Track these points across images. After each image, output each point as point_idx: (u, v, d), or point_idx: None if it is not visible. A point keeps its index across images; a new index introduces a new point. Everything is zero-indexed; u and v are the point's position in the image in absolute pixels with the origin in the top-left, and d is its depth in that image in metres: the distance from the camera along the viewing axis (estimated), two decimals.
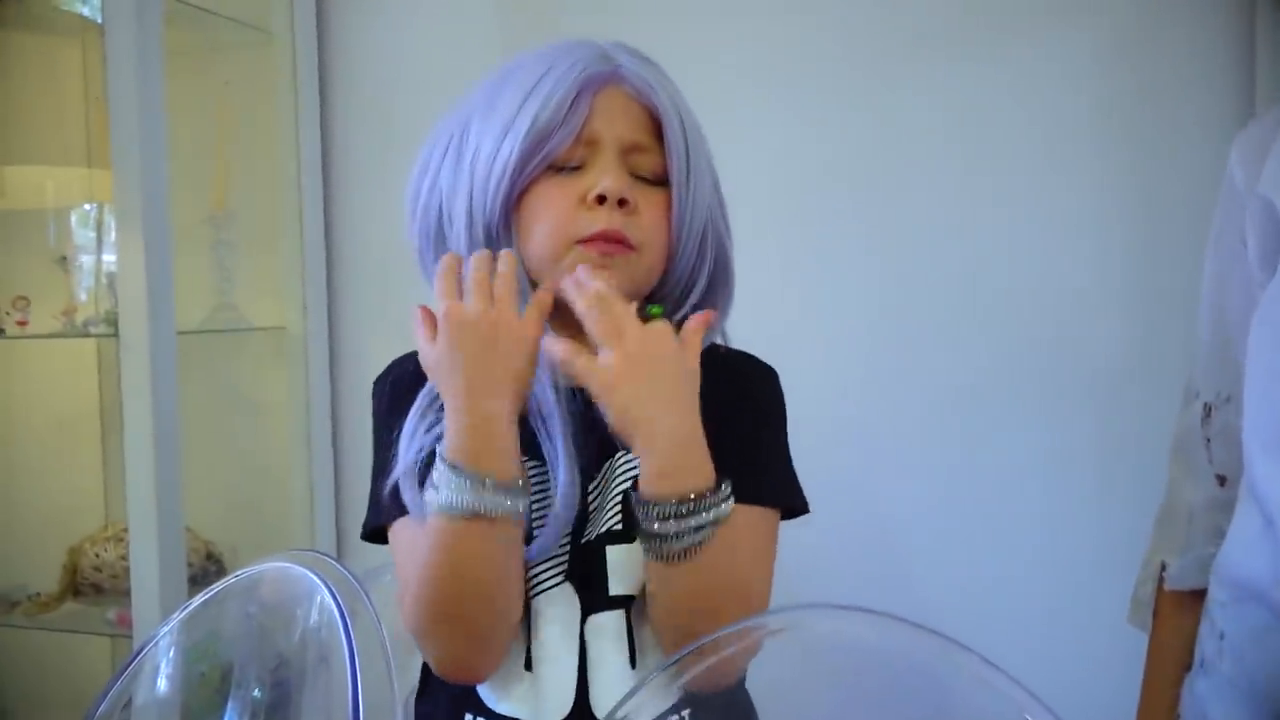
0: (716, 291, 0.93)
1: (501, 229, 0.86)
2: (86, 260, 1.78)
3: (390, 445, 0.88)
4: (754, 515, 0.86)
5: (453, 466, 0.77)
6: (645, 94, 0.86)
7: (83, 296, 1.77)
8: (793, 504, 0.91)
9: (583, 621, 0.85)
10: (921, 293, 1.62)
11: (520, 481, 0.79)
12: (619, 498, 0.86)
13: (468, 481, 0.77)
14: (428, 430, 0.85)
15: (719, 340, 0.98)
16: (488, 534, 0.77)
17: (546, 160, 0.84)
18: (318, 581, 0.77)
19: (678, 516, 0.77)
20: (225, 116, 1.85)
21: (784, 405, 0.94)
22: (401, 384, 0.91)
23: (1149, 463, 1.11)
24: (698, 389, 0.80)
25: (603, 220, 0.84)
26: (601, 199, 0.84)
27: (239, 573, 0.85)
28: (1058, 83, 1.55)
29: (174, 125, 1.63)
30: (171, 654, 0.86)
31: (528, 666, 0.85)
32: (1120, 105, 1.52)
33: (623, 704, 0.61)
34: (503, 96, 0.85)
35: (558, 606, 0.85)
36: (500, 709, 0.86)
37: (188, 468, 1.65)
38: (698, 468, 0.79)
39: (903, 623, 0.66)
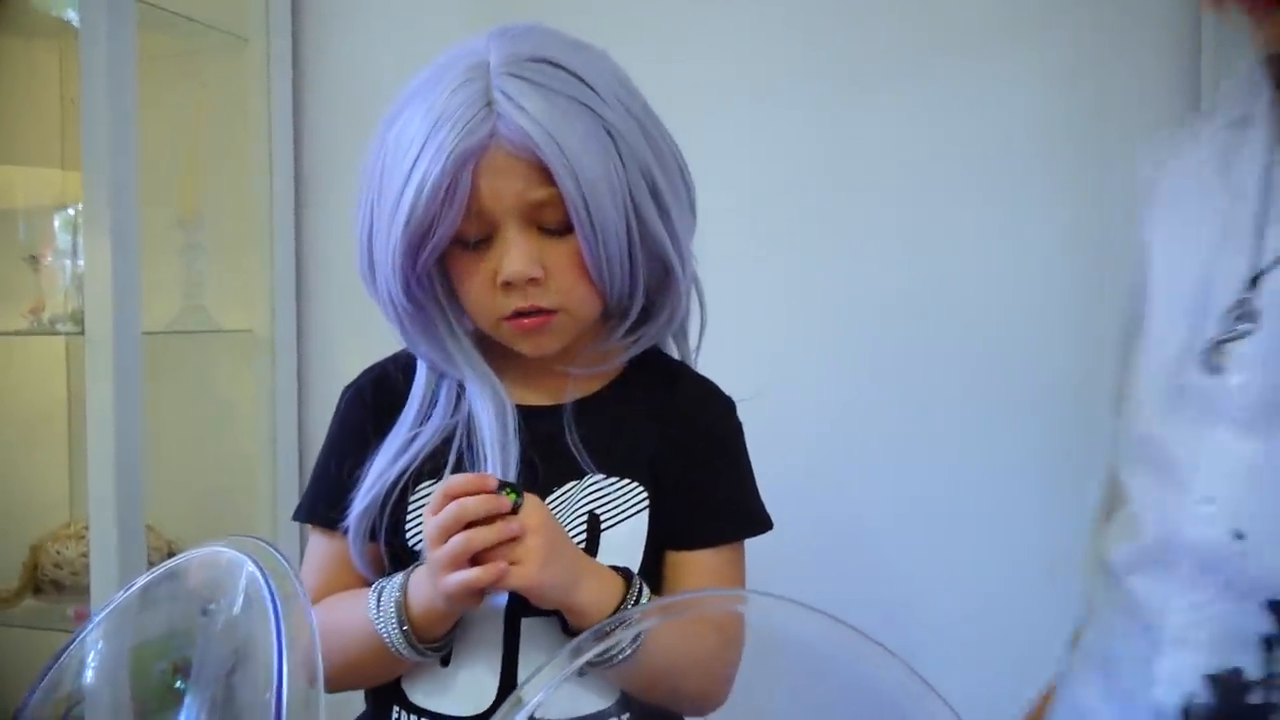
0: (665, 298, 0.93)
1: (422, 290, 0.88)
2: (57, 260, 1.79)
3: (349, 455, 0.91)
4: (715, 559, 0.91)
5: (401, 619, 0.83)
6: (528, 149, 0.80)
7: (53, 296, 1.79)
8: (751, 532, 0.95)
9: (517, 620, 0.87)
10: (880, 305, 1.64)
11: (448, 646, 0.86)
12: (576, 521, 0.88)
13: (406, 637, 0.83)
14: (394, 460, 0.89)
15: (683, 348, 1.00)
16: (398, 662, 0.85)
17: (438, 248, 0.84)
18: (248, 561, 0.79)
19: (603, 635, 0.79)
20: (199, 120, 1.88)
21: (742, 434, 0.97)
22: (378, 398, 0.94)
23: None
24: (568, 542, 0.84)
25: (516, 301, 0.85)
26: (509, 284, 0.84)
27: (169, 561, 0.87)
28: (1012, 100, 1.58)
29: (147, 128, 1.65)
30: (100, 646, 0.87)
31: (444, 663, 0.87)
32: (1072, 123, 1.55)
33: (524, 685, 0.62)
34: (391, 170, 0.84)
35: (480, 610, 0.86)
36: (421, 703, 0.88)
37: (153, 467, 1.66)
38: (611, 595, 0.83)
39: (830, 620, 0.68)
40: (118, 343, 1.58)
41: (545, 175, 0.81)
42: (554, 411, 0.91)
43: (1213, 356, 0.77)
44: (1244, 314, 0.76)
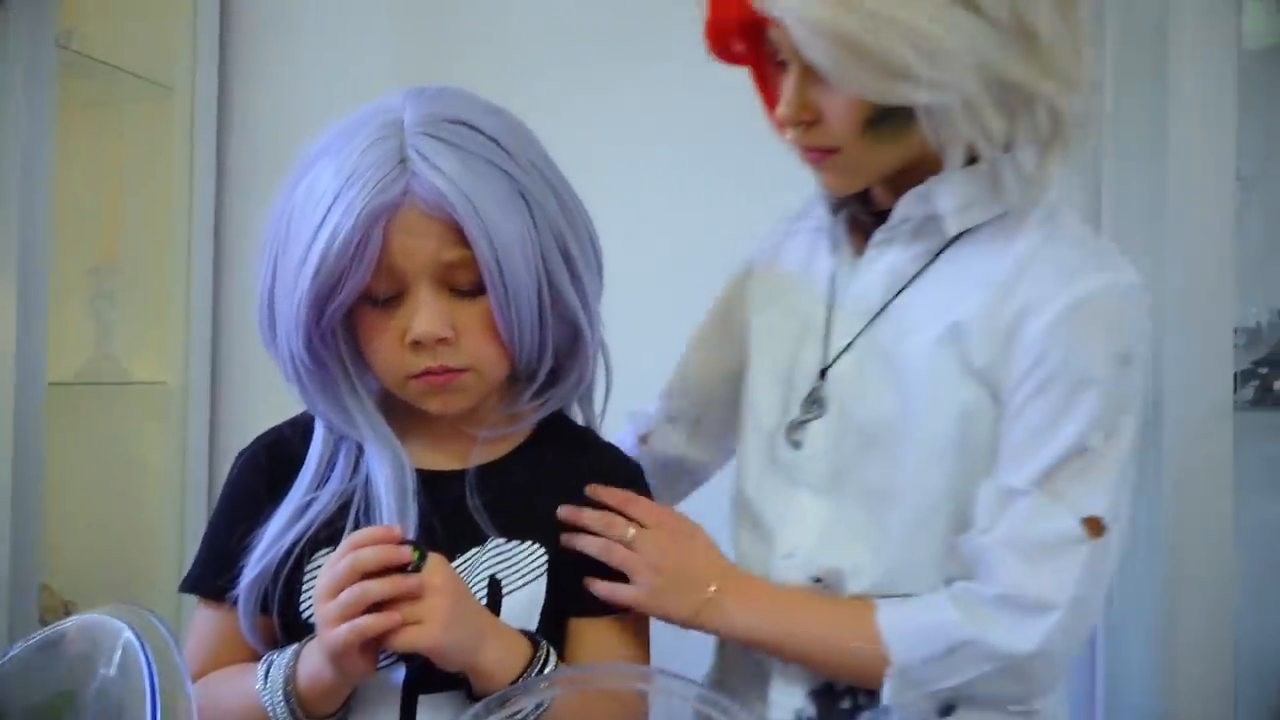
0: (573, 361, 0.93)
1: (325, 346, 0.86)
2: None
3: (241, 523, 0.88)
4: (618, 627, 0.91)
5: (288, 690, 0.80)
6: (442, 209, 0.79)
7: None
8: None
9: (414, 698, 0.84)
10: None
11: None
12: (477, 587, 0.86)
13: (292, 711, 0.80)
14: (288, 527, 0.86)
15: (588, 413, 0.99)
16: None
17: (344, 304, 0.82)
18: (126, 630, 0.76)
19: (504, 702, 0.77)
20: (119, 167, 1.84)
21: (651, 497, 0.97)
22: (273, 463, 0.92)
23: None
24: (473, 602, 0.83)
25: (425, 360, 0.83)
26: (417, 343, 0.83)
27: (46, 630, 0.84)
28: None
29: (66, 173, 1.62)
30: None
31: None
32: None
33: None
34: (299, 222, 0.82)
35: (375, 686, 0.83)
36: None
37: (55, 523, 1.61)
38: (517, 659, 0.82)
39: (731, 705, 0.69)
40: (20, 393, 1.53)
41: (459, 236, 0.80)
42: (458, 476, 0.90)
43: (793, 434, 0.93)
44: (815, 400, 0.92)
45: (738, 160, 1.66)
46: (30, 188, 1.55)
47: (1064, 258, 0.85)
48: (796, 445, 0.93)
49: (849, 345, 0.92)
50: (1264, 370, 1.42)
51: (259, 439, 0.95)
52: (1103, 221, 1.54)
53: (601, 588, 0.89)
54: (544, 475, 0.92)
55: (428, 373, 0.84)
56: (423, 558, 0.77)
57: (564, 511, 0.90)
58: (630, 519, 0.91)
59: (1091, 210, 1.57)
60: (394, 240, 0.80)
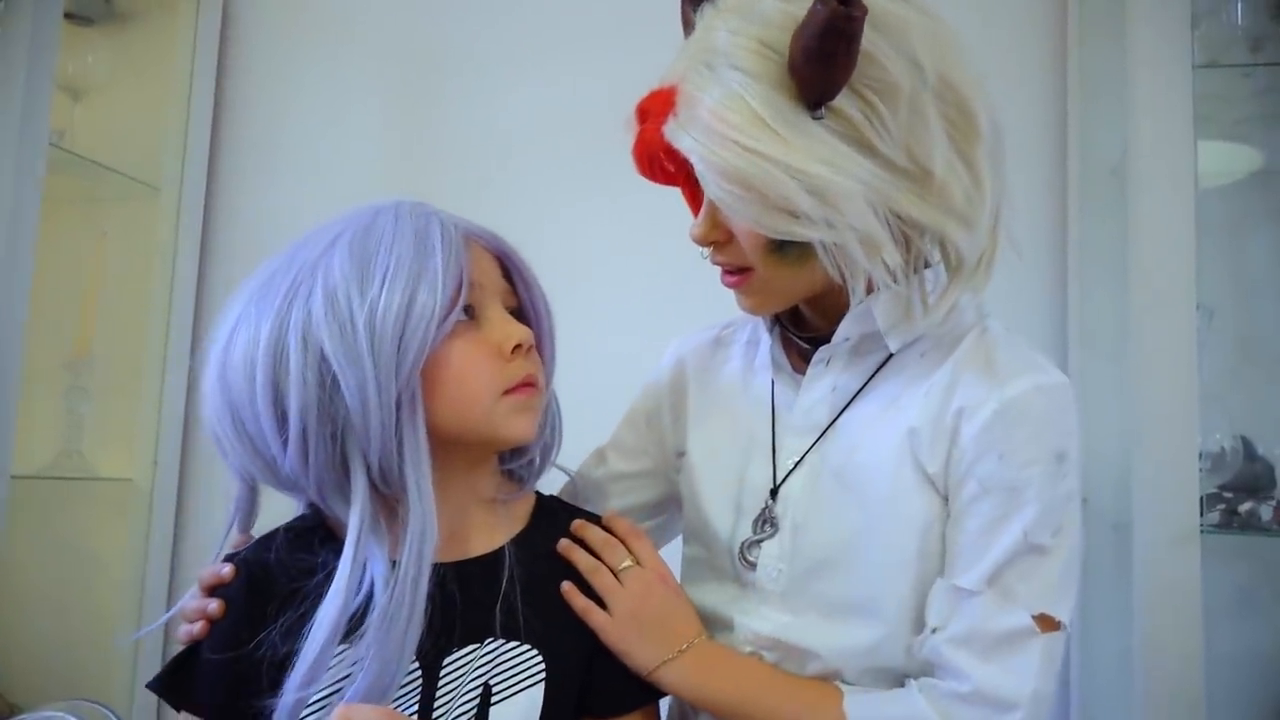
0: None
1: (409, 394, 0.83)
2: None
3: (233, 637, 0.84)
4: None
5: None
6: (495, 244, 0.91)
7: None
8: (665, 691, 0.92)
9: None
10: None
11: None
12: (476, 693, 0.85)
13: None
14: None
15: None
16: None
17: (460, 308, 0.85)
18: None
19: None
20: (99, 265, 1.85)
21: None
22: (275, 577, 0.87)
23: None
24: None
25: (524, 368, 0.88)
26: (516, 347, 0.87)
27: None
28: None
29: (45, 269, 1.62)
30: None
31: None
32: None
33: None
34: (379, 254, 0.83)
35: None
36: None
37: (7, 622, 1.56)
38: None
39: None
40: None
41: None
42: (453, 568, 0.88)
43: (747, 554, 0.94)
44: (766, 520, 0.94)
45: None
46: (9, 280, 1.55)
47: (993, 362, 0.87)
48: (750, 565, 0.94)
49: (798, 463, 0.94)
50: (1229, 495, 1.44)
51: (243, 552, 0.92)
52: (1069, 352, 1.59)
53: (578, 600, 0.90)
54: (543, 570, 0.91)
55: (522, 385, 0.88)
56: None
57: (571, 527, 0.95)
58: (631, 552, 0.94)
59: (1058, 340, 1.62)
60: (471, 258, 0.88)
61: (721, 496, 0.98)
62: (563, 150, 1.83)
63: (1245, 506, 1.42)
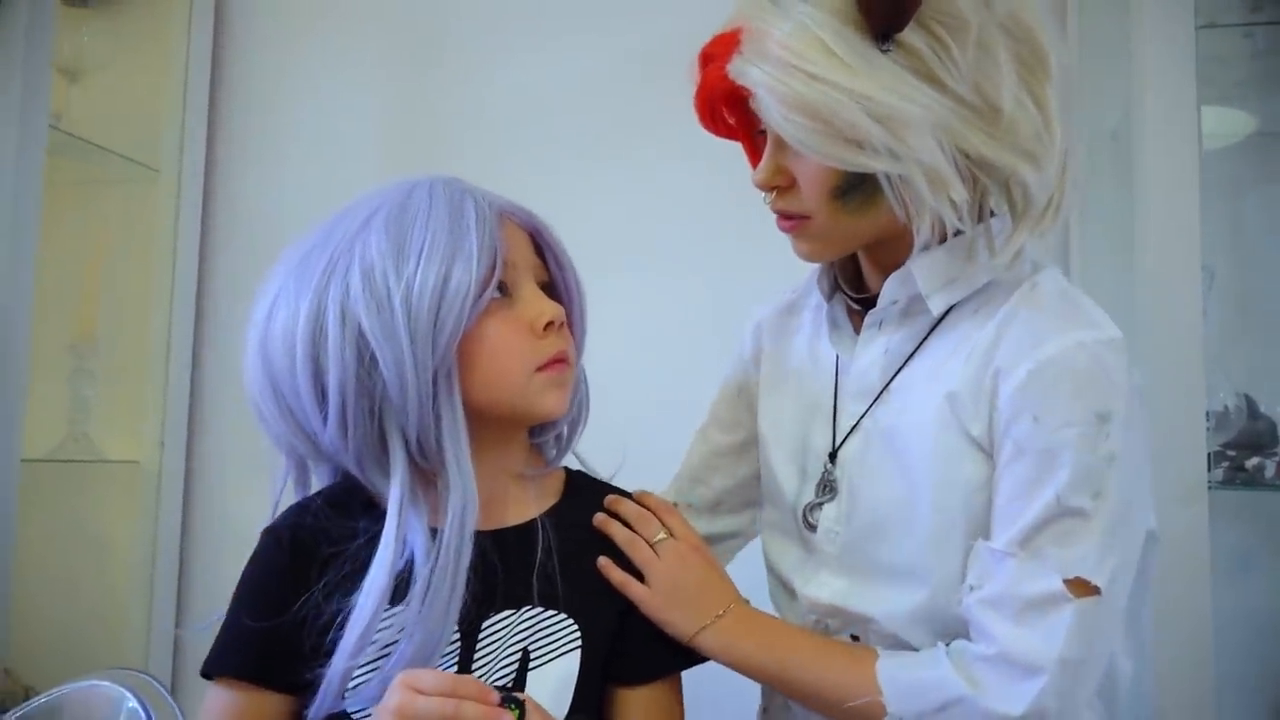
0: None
1: (445, 370, 0.83)
2: None
3: (277, 601, 0.84)
4: (662, 692, 0.92)
5: None
6: (528, 220, 0.91)
7: None
8: (691, 661, 0.94)
9: None
10: None
11: None
12: (514, 657, 0.86)
13: None
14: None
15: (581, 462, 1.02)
16: None
17: (494, 286, 0.85)
18: (128, 696, 0.75)
19: None
20: (102, 247, 1.85)
21: None
22: (297, 544, 0.87)
23: None
24: None
25: (555, 345, 0.89)
26: (549, 324, 0.88)
27: (41, 697, 0.82)
28: None
29: (49, 252, 1.62)
30: None
31: None
32: None
33: None
34: (414, 231, 0.83)
35: None
36: None
37: (19, 605, 1.56)
38: None
39: None
40: None
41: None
42: (491, 536, 0.89)
43: (809, 516, 0.96)
44: (826, 484, 0.95)
45: (725, 243, 1.71)
46: (13, 264, 1.55)
47: (1033, 322, 0.86)
48: (812, 528, 0.95)
49: (854, 428, 0.94)
50: (1233, 452, 1.46)
51: (280, 525, 0.91)
52: None
53: (615, 574, 0.91)
54: (577, 538, 0.93)
55: (555, 361, 0.88)
56: (522, 715, 0.76)
57: (605, 502, 0.96)
58: (664, 525, 0.94)
59: None
60: (505, 235, 0.88)
61: (788, 461, 1.00)
62: (563, 126, 1.83)
63: (1252, 462, 1.44)
